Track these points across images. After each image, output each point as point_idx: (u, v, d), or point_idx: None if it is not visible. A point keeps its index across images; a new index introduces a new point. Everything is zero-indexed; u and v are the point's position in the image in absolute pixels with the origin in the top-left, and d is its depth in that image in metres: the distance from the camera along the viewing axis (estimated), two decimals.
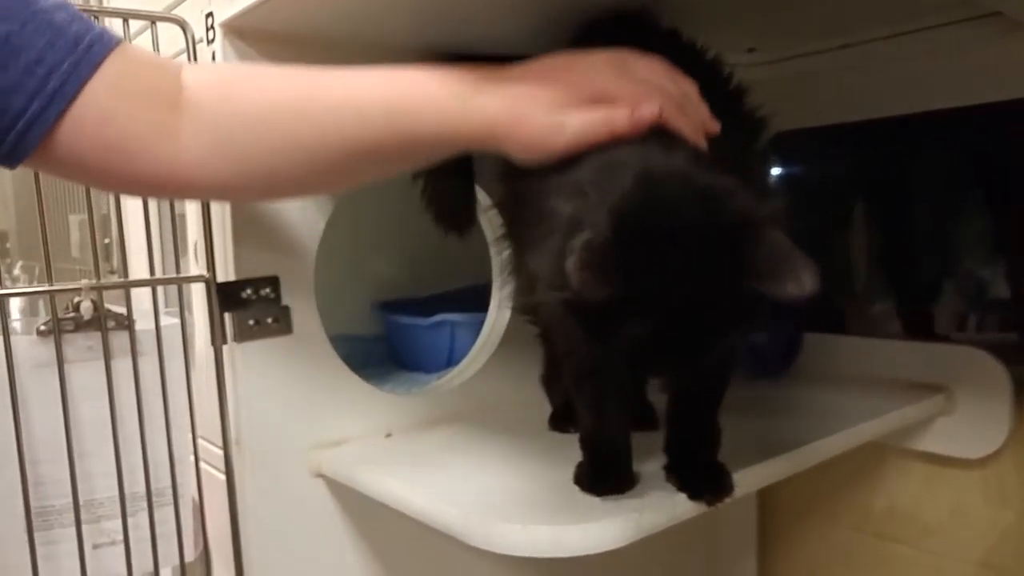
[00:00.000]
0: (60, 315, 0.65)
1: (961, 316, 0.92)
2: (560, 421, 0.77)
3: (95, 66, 0.48)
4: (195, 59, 0.67)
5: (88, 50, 0.48)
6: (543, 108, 0.52)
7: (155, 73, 0.52)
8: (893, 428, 0.83)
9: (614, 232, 0.44)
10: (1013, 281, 0.87)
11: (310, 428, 0.73)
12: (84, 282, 0.64)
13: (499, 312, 0.88)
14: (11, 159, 0.48)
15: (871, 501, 0.97)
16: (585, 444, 0.63)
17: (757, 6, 0.73)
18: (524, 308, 0.72)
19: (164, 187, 0.54)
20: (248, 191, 0.59)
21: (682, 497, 0.58)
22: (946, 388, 0.87)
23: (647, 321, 0.46)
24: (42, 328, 0.64)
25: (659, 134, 0.51)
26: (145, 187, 0.55)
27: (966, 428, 0.87)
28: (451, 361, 0.95)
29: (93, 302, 0.64)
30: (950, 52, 0.83)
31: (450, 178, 0.79)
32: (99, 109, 0.48)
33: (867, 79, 0.90)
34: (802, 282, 0.43)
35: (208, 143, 0.52)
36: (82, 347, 0.65)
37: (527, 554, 0.54)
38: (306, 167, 0.54)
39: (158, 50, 0.67)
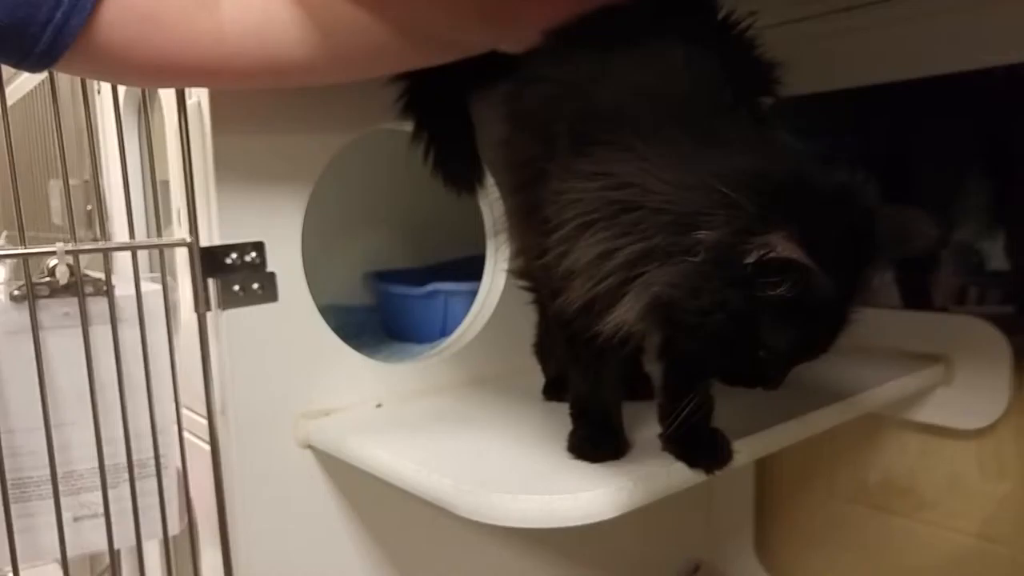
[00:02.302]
0: (36, 280, 0.63)
1: (961, 287, 0.90)
2: (554, 391, 0.75)
3: None
4: None
5: None
6: None
7: None
8: (892, 398, 0.82)
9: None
10: (1013, 252, 0.86)
11: (298, 397, 0.72)
12: (59, 245, 0.61)
13: (493, 282, 0.86)
14: (48, 56, 0.46)
15: (868, 472, 0.97)
16: (577, 412, 0.62)
17: None
18: (520, 273, 0.70)
19: (210, 66, 0.52)
20: (299, 67, 0.56)
21: (679, 466, 0.57)
22: (945, 358, 0.86)
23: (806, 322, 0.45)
24: (15, 293, 0.61)
25: None
26: (191, 68, 0.53)
27: (965, 399, 0.85)
28: (444, 332, 0.93)
29: (69, 266, 0.62)
30: (953, 14, 0.81)
31: (452, 137, 0.77)
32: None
33: (868, 43, 0.88)
34: (927, 231, 0.47)
35: (252, 31, 0.51)
36: (58, 313, 0.63)
37: (518, 524, 0.53)
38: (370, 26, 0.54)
39: None
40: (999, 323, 0.83)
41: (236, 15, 0.51)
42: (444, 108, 0.76)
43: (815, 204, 0.45)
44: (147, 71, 0.53)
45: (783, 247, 0.41)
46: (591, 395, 0.61)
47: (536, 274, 0.64)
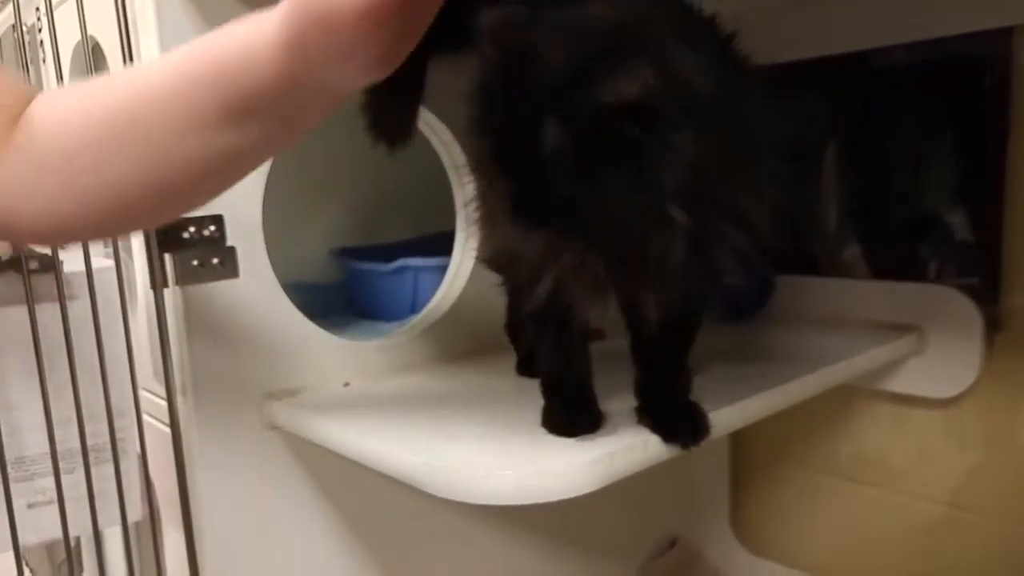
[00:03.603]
0: None
1: (932, 258, 0.90)
2: (527, 367, 0.74)
3: None
4: None
5: None
6: None
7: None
8: (867, 368, 0.82)
9: None
10: (979, 222, 0.86)
11: (262, 377, 0.69)
12: None
13: (463, 257, 0.84)
14: None
15: (841, 444, 0.97)
16: (549, 387, 0.61)
17: None
18: (490, 261, 0.68)
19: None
20: (93, 224, 0.47)
21: (654, 439, 0.56)
22: (918, 328, 0.86)
23: None
24: None
25: None
26: None
27: (937, 368, 0.86)
28: (414, 309, 0.91)
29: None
30: None
31: (393, 85, 0.73)
32: None
33: (838, 10, 0.87)
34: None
35: (46, 171, 0.44)
36: (3, 291, 0.60)
37: (492, 502, 0.51)
38: (162, 169, 0.44)
39: None
40: (970, 293, 0.83)
41: (23, 170, 0.44)
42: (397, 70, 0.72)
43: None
44: None
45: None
46: (561, 370, 0.60)
47: (498, 260, 0.65)
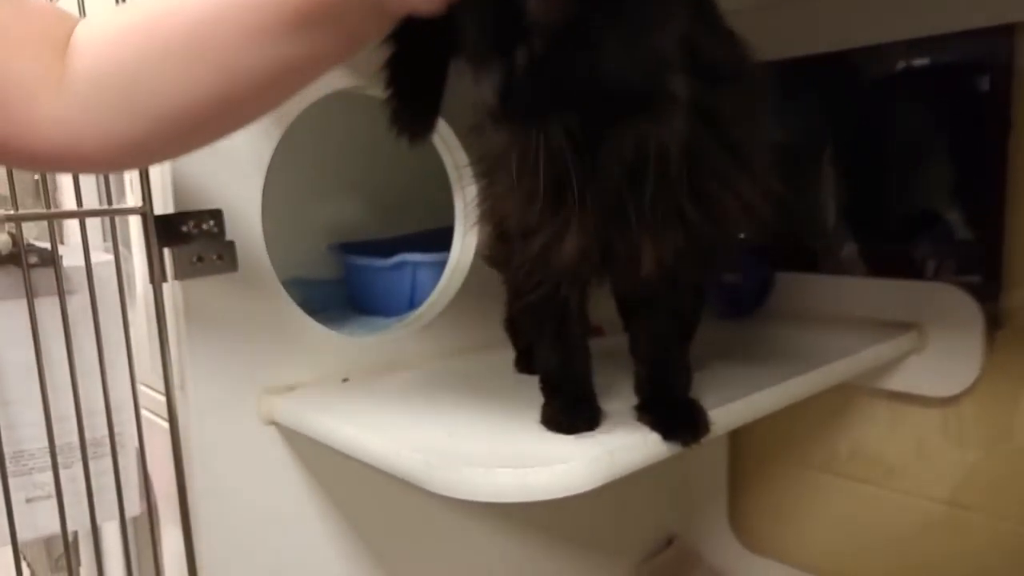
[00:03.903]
0: None
1: (933, 255, 0.90)
2: (526, 362, 0.74)
3: None
4: None
5: None
6: None
7: (45, 22, 0.45)
8: (867, 366, 0.81)
9: None
10: (979, 220, 0.85)
11: (260, 372, 0.69)
12: (0, 212, 0.58)
13: (462, 252, 0.84)
14: None
15: (840, 442, 0.97)
16: (548, 384, 0.61)
17: None
18: (491, 258, 0.68)
19: (50, 150, 0.45)
20: (159, 144, 0.48)
21: (655, 437, 0.56)
22: (918, 325, 0.86)
23: None
24: None
25: None
26: (26, 152, 0.46)
27: (938, 366, 0.86)
28: (413, 304, 0.91)
29: (11, 235, 0.58)
30: None
31: (418, 81, 0.73)
32: None
33: (838, 7, 0.87)
34: None
35: (107, 95, 0.44)
36: (3, 284, 0.60)
37: (492, 499, 0.51)
38: (211, 91, 0.45)
39: None
40: (971, 290, 0.83)
41: (82, 95, 0.45)
42: (418, 68, 0.72)
43: None
44: None
45: None
46: (561, 366, 0.60)
47: (500, 258, 0.64)
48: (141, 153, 0.49)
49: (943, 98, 0.88)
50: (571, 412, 0.58)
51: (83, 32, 0.45)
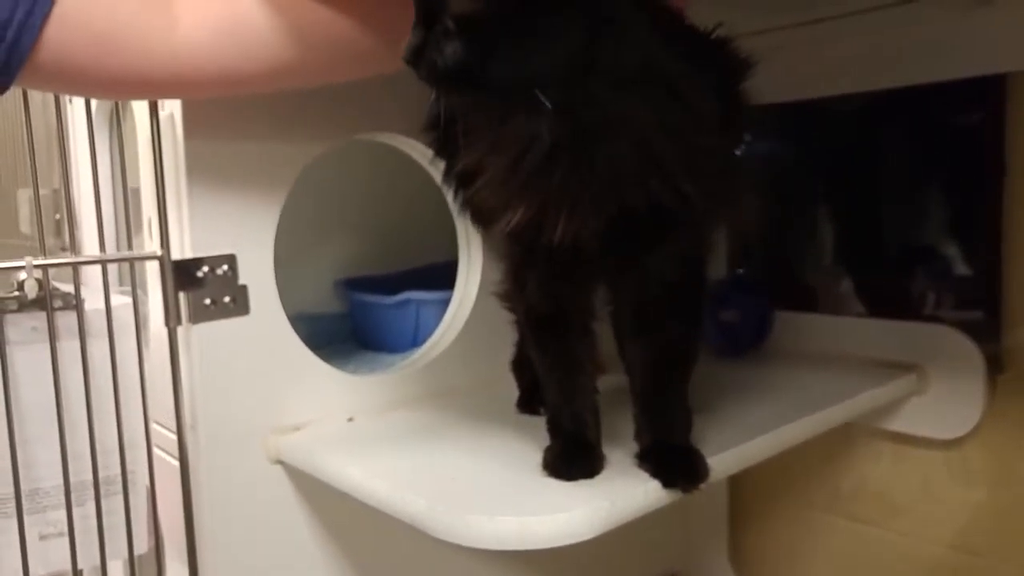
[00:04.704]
0: (3, 294, 0.61)
1: (932, 294, 0.91)
2: (528, 403, 0.75)
3: None
4: None
5: None
6: None
7: None
8: (868, 408, 0.81)
9: None
10: (978, 259, 0.86)
11: (269, 412, 0.71)
12: (28, 259, 0.60)
13: (466, 290, 0.85)
14: (3, 76, 0.47)
15: (842, 482, 0.97)
16: (553, 427, 0.62)
17: None
18: (504, 295, 0.69)
19: (165, 80, 0.53)
20: (258, 77, 0.57)
21: (655, 484, 0.57)
22: (919, 367, 0.86)
23: None
24: None
25: None
26: (146, 83, 0.54)
27: (939, 408, 0.86)
28: (416, 341, 0.92)
29: (38, 280, 0.60)
30: (921, 27, 0.81)
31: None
32: (88, 15, 0.48)
33: (834, 54, 0.88)
34: None
35: (211, 29, 0.52)
36: (26, 328, 0.62)
37: (494, 547, 0.52)
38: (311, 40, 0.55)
39: None
40: (970, 329, 0.83)
41: (191, 30, 0.52)
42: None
43: None
44: (104, 86, 0.54)
45: None
46: (565, 409, 0.61)
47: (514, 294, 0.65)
48: (249, 84, 0.57)
49: (938, 134, 0.89)
50: (570, 459, 0.59)
51: None
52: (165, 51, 0.51)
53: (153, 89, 0.57)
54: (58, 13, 0.47)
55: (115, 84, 0.53)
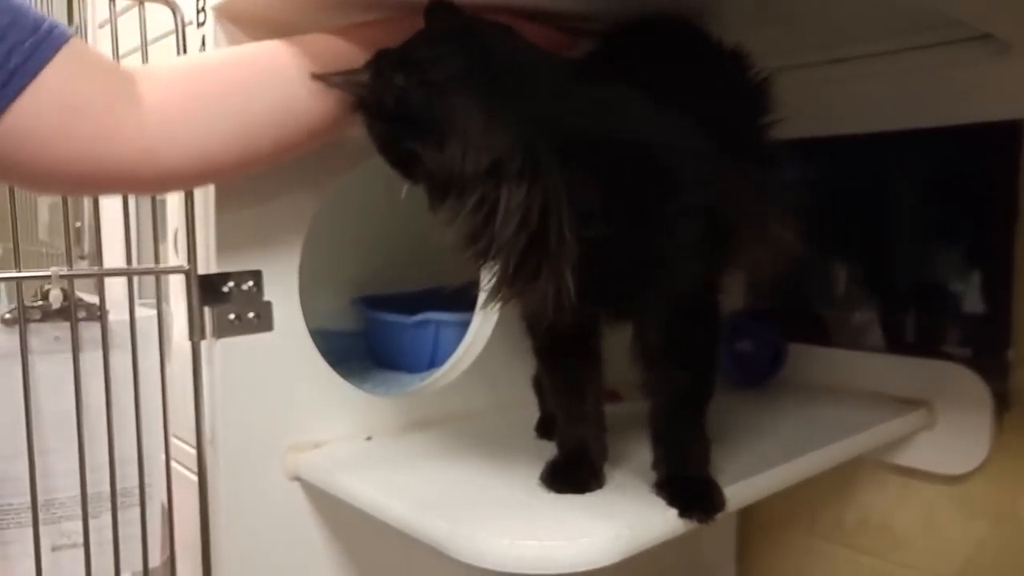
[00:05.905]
0: (27, 303, 0.62)
1: (942, 331, 0.92)
2: (546, 429, 0.75)
3: (56, 48, 0.47)
4: (184, 43, 0.64)
5: (49, 33, 0.47)
6: None
7: (109, 62, 0.53)
8: (878, 442, 0.82)
9: None
10: (988, 298, 0.87)
11: (288, 429, 0.71)
12: (54, 270, 0.60)
13: (485, 312, 0.85)
14: None
15: (849, 514, 0.97)
16: (559, 439, 0.64)
17: (758, 19, 0.72)
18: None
19: (136, 174, 0.52)
20: (228, 164, 0.57)
21: (672, 513, 0.57)
22: (928, 403, 0.87)
23: None
24: (7, 317, 0.60)
25: None
26: (113, 175, 0.52)
27: (947, 444, 0.86)
28: (434, 362, 0.93)
29: (63, 291, 0.61)
30: (940, 71, 0.84)
31: None
32: (60, 89, 0.48)
33: (854, 93, 0.90)
34: None
35: (176, 119, 0.52)
36: (49, 337, 0.62)
37: (515, 570, 0.52)
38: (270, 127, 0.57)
39: (145, 31, 0.64)
40: (979, 366, 0.84)
41: (158, 105, 0.52)
42: None
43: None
44: (59, 171, 0.50)
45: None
46: (568, 427, 0.63)
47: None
48: (215, 169, 0.57)
49: (954, 177, 0.90)
50: (563, 473, 0.61)
51: (145, 70, 0.54)
52: (135, 137, 0.50)
53: (125, 181, 0.54)
54: (36, 93, 0.46)
55: (81, 174, 0.50)
